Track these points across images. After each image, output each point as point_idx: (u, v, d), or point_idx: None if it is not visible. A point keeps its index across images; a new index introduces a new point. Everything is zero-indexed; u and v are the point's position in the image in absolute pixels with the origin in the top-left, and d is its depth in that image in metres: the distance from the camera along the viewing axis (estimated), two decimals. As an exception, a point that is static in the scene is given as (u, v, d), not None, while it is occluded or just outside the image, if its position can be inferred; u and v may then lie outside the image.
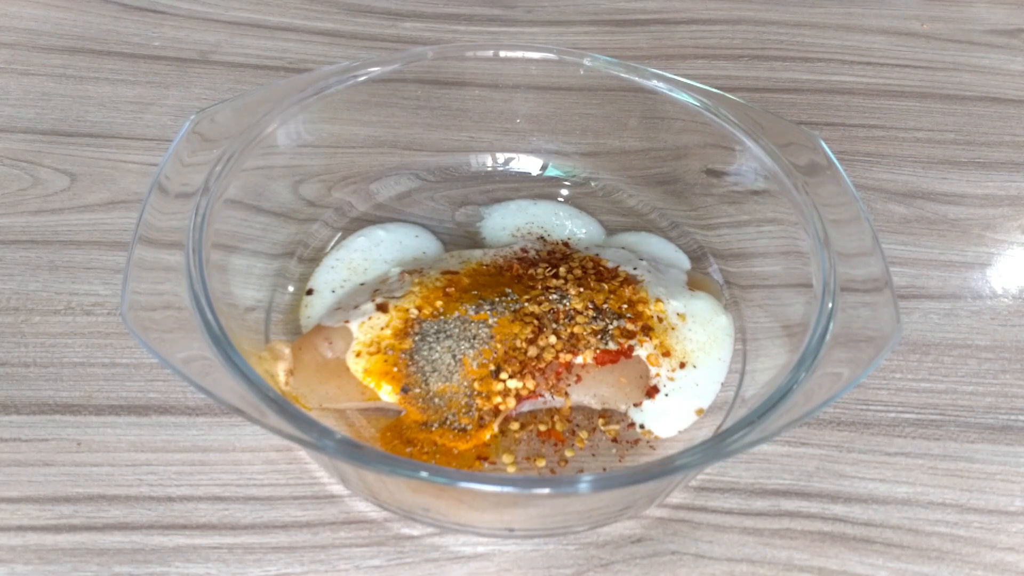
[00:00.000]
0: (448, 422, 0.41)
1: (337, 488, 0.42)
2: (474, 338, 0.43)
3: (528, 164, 0.57)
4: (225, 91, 0.61)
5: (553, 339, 0.43)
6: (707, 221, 0.53)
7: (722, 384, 0.45)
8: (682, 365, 0.45)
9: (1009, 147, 0.62)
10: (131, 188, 0.54)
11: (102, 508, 0.40)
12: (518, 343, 0.43)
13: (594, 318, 0.44)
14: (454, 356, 0.42)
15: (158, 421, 0.43)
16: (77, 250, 0.50)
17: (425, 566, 0.39)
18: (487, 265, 0.48)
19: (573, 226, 0.53)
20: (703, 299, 0.47)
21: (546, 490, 0.33)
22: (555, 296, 0.45)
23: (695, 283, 0.49)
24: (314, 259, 0.50)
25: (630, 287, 0.46)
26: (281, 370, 0.43)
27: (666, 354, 0.45)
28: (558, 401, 0.43)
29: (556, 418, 0.43)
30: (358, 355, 0.43)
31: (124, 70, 0.62)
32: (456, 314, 0.44)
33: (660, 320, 0.46)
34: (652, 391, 0.44)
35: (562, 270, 0.47)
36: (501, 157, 0.57)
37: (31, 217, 0.52)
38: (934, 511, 0.42)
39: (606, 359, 0.44)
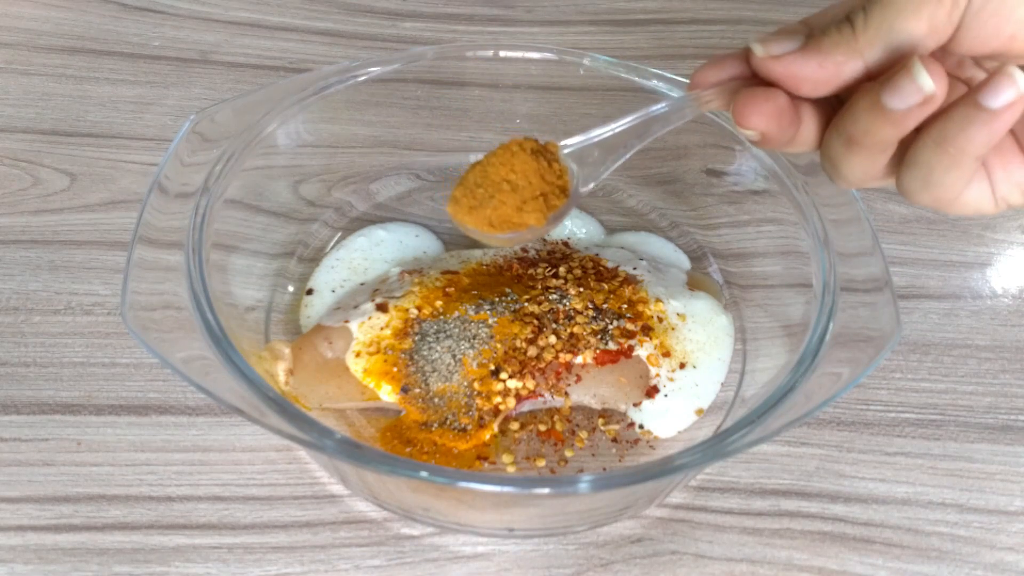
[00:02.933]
0: (448, 422, 0.41)
1: (337, 488, 0.42)
2: (474, 338, 0.43)
3: (528, 164, 0.57)
4: (225, 91, 0.61)
5: (553, 339, 0.43)
6: (707, 221, 0.53)
7: (722, 384, 0.45)
8: (682, 365, 0.45)
9: (1009, 147, 0.62)
10: (131, 188, 0.54)
11: (102, 508, 0.40)
12: (518, 343, 0.43)
13: (594, 318, 0.44)
14: (454, 356, 0.42)
15: (158, 421, 0.43)
16: (77, 250, 0.50)
17: (425, 566, 0.39)
18: (487, 265, 0.48)
19: (573, 226, 0.53)
20: (703, 299, 0.47)
21: (546, 490, 0.33)
22: (555, 296, 0.45)
23: (695, 283, 0.49)
24: (314, 259, 0.50)
25: (630, 287, 0.46)
26: (281, 370, 0.43)
27: (666, 354, 0.45)
28: (558, 401, 0.43)
29: (556, 418, 0.43)
30: (358, 355, 0.43)
31: (124, 70, 0.62)
32: (456, 314, 0.44)
33: (660, 320, 0.45)
34: (652, 391, 0.44)
35: (562, 270, 0.47)
36: (501, 157, 0.57)
37: (31, 217, 0.52)
38: (934, 511, 0.42)
39: (606, 359, 0.44)
